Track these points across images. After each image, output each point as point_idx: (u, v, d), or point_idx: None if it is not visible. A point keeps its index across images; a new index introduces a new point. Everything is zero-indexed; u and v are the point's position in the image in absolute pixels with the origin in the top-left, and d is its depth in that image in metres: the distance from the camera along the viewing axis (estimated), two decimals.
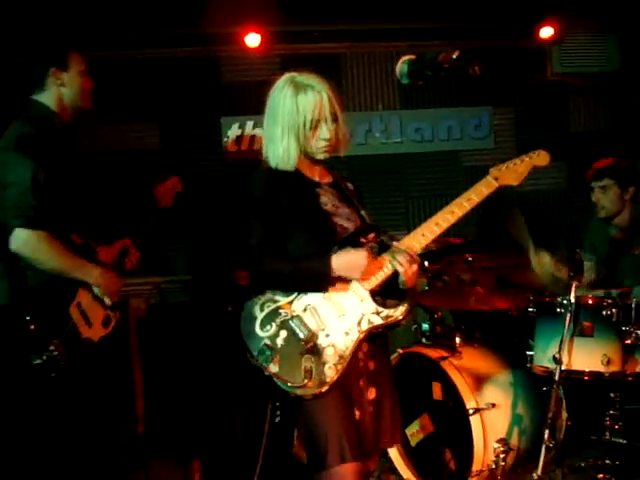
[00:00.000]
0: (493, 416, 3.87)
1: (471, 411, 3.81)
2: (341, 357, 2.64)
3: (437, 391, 4.09)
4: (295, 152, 2.76)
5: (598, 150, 5.89)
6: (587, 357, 3.65)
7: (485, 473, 3.85)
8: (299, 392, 2.59)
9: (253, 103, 5.67)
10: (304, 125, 2.73)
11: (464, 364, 4.02)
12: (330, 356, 2.63)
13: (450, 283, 4.46)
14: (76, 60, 3.35)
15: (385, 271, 2.75)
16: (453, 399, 3.94)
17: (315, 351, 2.62)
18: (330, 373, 2.61)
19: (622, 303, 3.68)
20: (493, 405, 3.87)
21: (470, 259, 4.33)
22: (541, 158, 3.05)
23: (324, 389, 2.60)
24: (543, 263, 4.19)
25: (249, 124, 5.72)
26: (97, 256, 3.40)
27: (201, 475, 4.38)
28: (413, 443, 4.20)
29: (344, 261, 2.68)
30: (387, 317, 2.72)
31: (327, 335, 2.66)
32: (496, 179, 2.90)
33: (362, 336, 2.69)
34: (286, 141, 2.74)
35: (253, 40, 5.52)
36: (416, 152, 6.04)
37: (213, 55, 5.76)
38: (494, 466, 3.81)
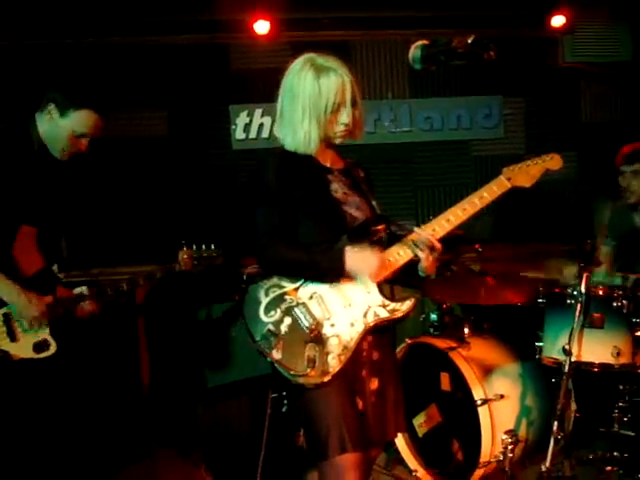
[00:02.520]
0: (501, 407, 3.86)
1: (479, 402, 3.79)
2: (345, 348, 2.61)
3: (445, 382, 4.08)
4: (316, 136, 2.70)
5: (609, 140, 5.86)
6: (597, 349, 3.62)
7: (493, 464, 3.84)
8: (301, 380, 2.57)
9: (262, 91, 5.65)
10: (326, 109, 2.67)
11: (472, 355, 4.01)
12: (334, 346, 2.60)
13: (458, 273, 4.44)
14: (82, 121, 3.25)
15: (400, 257, 2.72)
16: (461, 390, 3.93)
17: (319, 340, 2.60)
18: (333, 363, 2.58)
19: (633, 294, 3.66)
20: (501, 396, 3.86)
21: (480, 249, 4.31)
22: (554, 162, 2.98)
23: (326, 379, 2.57)
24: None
25: (258, 112, 5.69)
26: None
27: (203, 464, 4.38)
28: (420, 434, 4.19)
29: (356, 259, 2.62)
30: (393, 310, 2.68)
31: (332, 325, 2.63)
32: (509, 179, 2.85)
33: (367, 328, 2.66)
34: (307, 124, 2.68)
35: (262, 27, 5.49)
36: (425, 141, 6.00)
37: (222, 42, 5.72)
38: (502, 457, 3.80)
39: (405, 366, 4.20)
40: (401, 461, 4.26)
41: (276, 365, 2.58)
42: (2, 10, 5.02)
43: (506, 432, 3.83)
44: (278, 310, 2.63)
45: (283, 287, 2.67)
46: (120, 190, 5.44)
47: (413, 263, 2.74)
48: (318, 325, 2.61)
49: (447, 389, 4.07)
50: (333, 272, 2.65)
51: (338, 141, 2.78)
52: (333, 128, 2.72)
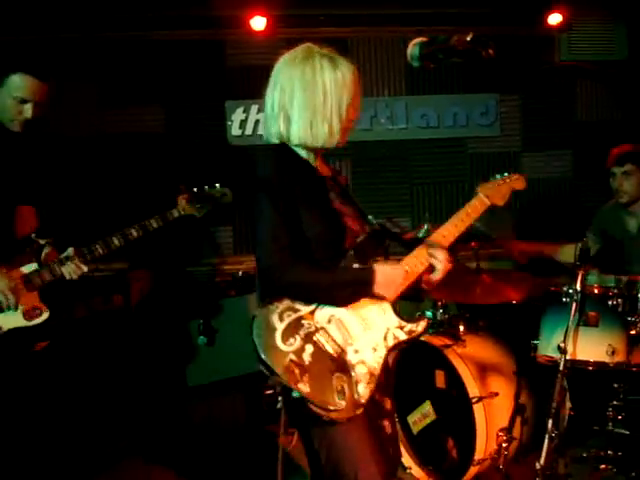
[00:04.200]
0: (496, 405, 3.87)
1: (474, 400, 3.79)
2: (372, 375, 2.41)
3: (440, 379, 4.08)
4: (338, 129, 2.51)
5: (604, 139, 5.87)
6: (592, 347, 3.62)
7: (487, 462, 3.85)
8: (334, 415, 2.33)
9: (258, 87, 5.60)
10: (347, 100, 2.52)
11: (468, 352, 4.01)
12: (363, 375, 2.39)
13: (454, 271, 4.43)
14: (18, 84, 3.25)
15: (416, 269, 2.58)
16: (456, 387, 3.93)
17: (345, 369, 2.38)
18: (364, 393, 2.38)
19: (628, 293, 3.66)
20: (496, 394, 3.87)
21: (476, 247, 4.31)
22: (520, 182, 3.06)
23: (359, 411, 2.36)
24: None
25: (254, 108, 5.68)
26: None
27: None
28: (415, 431, 4.20)
29: (384, 277, 2.46)
30: (410, 332, 2.53)
31: (356, 351, 2.42)
32: (487, 197, 2.85)
33: (388, 352, 2.48)
34: (330, 114, 2.49)
35: (258, 23, 5.49)
36: (421, 138, 6.00)
37: (218, 38, 5.72)
38: (496, 455, 3.81)
39: (400, 364, 4.20)
40: None
41: (306, 400, 2.31)
42: (2, 6, 5.00)
43: (501, 430, 3.85)
44: (297, 337, 2.37)
45: (298, 310, 2.41)
46: (115, 186, 5.43)
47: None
48: (342, 352, 2.40)
49: (442, 387, 4.07)
50: (359, 295, 2.48)
51: (344, 140, 2.59)
52: (346, 124, 2.55)
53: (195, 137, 5.70)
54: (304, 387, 2.30)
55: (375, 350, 2.46)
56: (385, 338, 2.49)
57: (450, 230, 2.70)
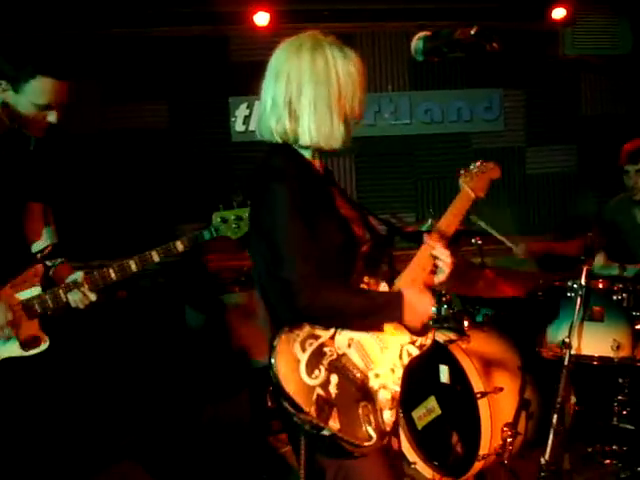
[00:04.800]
0: (501, 400, 3.85)
1: (479, 395, 3.78)
2: (394, 399, 2.28)
3: (445, 374, 4.07)
4: (352, 127, 2.32)
5: (608, 133, 5.87)
6: (597, 342, 3.62)
7: (492, 457, 3.84)
8: (365, 450, 2.17)
9: (261, 83, 5.63)
10: (360, 95, 2.32)
11: (472, 347, 4.00)
12: (386, 400, 2.25)
13: (458, 266, 4.42)
14: (39, 90, 2.87)
15: (424, 273, 2.46)
16: (461, 383, 3.92)
17: (369, 396, 2.23)
18: (389, 420, 2.24)
19: (633, 288, 3.66)
20: (501, 389, 3.86)
21: (479, 242, 4.30)
22: (495, 171, 2.90)
23: (385, 440, 2.23)
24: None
25: (257, 104, 5.64)
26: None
27: None
28: (420, 426, 4.19)
29: (413, 309, 2.31)
30: (421, 346, 2.41)
31: (377, 375, 2.27)
32: (472, 190, 2.71)
33: (404, 371, 2.34)
34: (345, 114, 2.28)
35: (262, 19, 5.49)
36: (425, 134, 6.00)
37: (222, 34, 5.73)
38: (501, 450, 3.80)
39: None
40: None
41: (336, 438, 2.13)
42: (5, 3, 5.00)
43: (505, 425, 3.83)
44: (322, 368, 2.16)
45: (319, 337, 2.21)
46: (120, 182, 5.43)
47: None
48: (365, 378, 2.24)
49: (447, 382, 4.06)
50: (388, 321, 2.32)
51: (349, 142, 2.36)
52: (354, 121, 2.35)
53: (199, 133, 5.70)
54: (334, 424, 2.12)
55: (393, 371, 2.32)
56: (400, 357, 2.35)
57: (445, 229, 2.57)
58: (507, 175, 6.01)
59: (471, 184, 2.74)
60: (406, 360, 2.36)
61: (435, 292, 4.20)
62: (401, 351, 2.35)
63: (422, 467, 4.16)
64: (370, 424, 2.18)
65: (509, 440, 3.79)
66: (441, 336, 4.09)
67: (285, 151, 2.32)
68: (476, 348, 4.02)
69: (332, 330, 2.23)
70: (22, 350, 2.93)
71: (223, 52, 5.74)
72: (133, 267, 3.07)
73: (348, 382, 2.20)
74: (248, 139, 5.69)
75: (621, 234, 4.52)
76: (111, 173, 5.42)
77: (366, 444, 2.15)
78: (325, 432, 2.12)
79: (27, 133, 3.00)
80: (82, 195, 5.18)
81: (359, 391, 2.21)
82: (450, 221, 2.60)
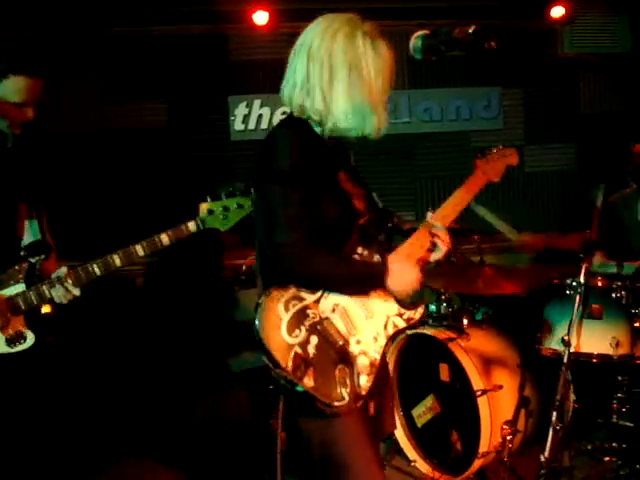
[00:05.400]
0: (500, 398, 3.86)
1: (478, 393, 3.79)
2: (373, 366, 2.36)
3: (444, 372, 4.08)
4: (375, 120, 2.41)
5: (607, 131, 5.87)
6: (596, 340, 3.63)
7: (492, 455, 3.85)
8: (336, 410, 2.28)
9: (261, 82, 5.64)
10: (384, 88, 2.41)
11: (472, 345, 4.01)
12: (364, 366, 2.34)
13: (458, 264, 4.44)
14: (13, 89, 2.91)
15: (419, 251, 2.52)
16: (460, 380, 3.93)
17: (347, 360, 2.33)
18: (365, 385, 2.33)
19: (632, 286, 3.66)
20: (500, 387, 3.86)
21: (478, 240, 4.31)
22: (513, 157, 3.03)
23: (359, 404, 2.32)
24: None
25: (257, 103, 5.68)
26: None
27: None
28: (419, 424, 4.20)
29: (397, 277, 2.39)
30: (409, 320, 2.49)
31: (358, 342, 2.36)
32: (485, 173, 2.83)
33: (387, 340, 2.44)
34: (377, 107, 2.39)
35: (261, 18, 5.49)
36: (424, 132, 6.00)
37: (221, 33, 5.72)
38: (501, 448, 3.81)
39: (404, 357, 4.21)
40: (400, 452, 4.26)
41: (310, 394, 2.25)
42: (4, 1, 5.01)
43: (505, 423, 3.84)
44: (303, 328, 2.28)
45: (303, 299, 2.33)
46: (119, 181, 5.44)
47: None
48: (345, 343, 2.34)
49: (446, 380, 4.07)
50: (372, 288, 2.42)
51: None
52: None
53: (198, 132, 5.71)
54: (309, 381, 2.24)
55: (376, 340, 2.41)
56: (385, 327, 2.44)
57: (450, 209, 2.64)
58: (506, 173, 5.99)
59: (486, 167, 2.86)
60: (391, 331, 2.44)
61: (433, 289, 4.24)
62: (387, 321, 2.44)
63: (422, 465, 4.17)
64: (345, 386, 2.28)
65: (509, 438, 3.80)
66: (441, 334, 4.10)
67: (299, 127, 2.41)
68: (475, 346, 4.02)
69: (318, 294, 2.35)
70: (7, 347, 2.94)
71: (222, 51, 5.74)
72: (117, 262, 3.04)
73: (327, 344, 2.31)
74: (247, 138, 5.69)
75: (623, 229, 4.53)
76: (110, 172, 5.42)
77: (337, 404, 2.26)
78: (299, 388, 2.24)
79: (4, 131, 3.03)
80: (81, 194, 5.18)
81: (338, 354, 2.32)
82: (459, 200, 2.67)
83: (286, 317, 2.28)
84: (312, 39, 2.43)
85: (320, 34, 2.43)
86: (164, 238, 3.07)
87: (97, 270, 3.01)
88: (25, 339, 2.97)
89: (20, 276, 2.99)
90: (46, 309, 3.44)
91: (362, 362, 2.35)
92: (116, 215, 5.37)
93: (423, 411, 4.18)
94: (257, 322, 2.26)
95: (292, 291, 2.32)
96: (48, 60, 5.33)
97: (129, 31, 5.53)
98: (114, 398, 4.67)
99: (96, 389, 4.60)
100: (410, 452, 4.21)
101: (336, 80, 2.34)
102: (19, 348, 2.95)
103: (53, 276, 3.02)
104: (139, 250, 3.07)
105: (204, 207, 3.12)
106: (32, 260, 3.06)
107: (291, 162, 2.30)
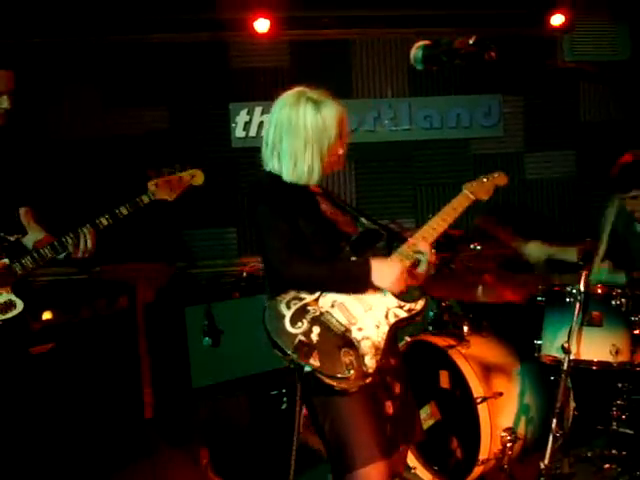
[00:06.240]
0: (500, 405, 3.87)
1: (478, 400, 3.80)
2: (377, 348, 2.63)
3: (444, 379, 4.08)
4: (319, 168, 2.75)
5: (607, 139, 5.89)
6: (596, 347, 3.63)
7: (492, 462, 3.85)
8: (344, 385, 2.56)
9: (262, 89, 5.66)
10: (329, 141, 2.73)
11: (472, 353, 4.01)
12: (368, 348, 2.61)
13: (457, 271, 4.45)
14: None
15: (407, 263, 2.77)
16: (460, 388, 3.93)
17: (351, 344, 2.61)
18: (371, 364, 2.59)
19: (632, 293, 3.67)
20: (500, 394, 3.87)
21: (478, 247, 4.31)
22: (501, 178, 3.31)
23: (368, 380, 2.58)
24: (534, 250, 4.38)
25: (257, 110, 5.70)
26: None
27: (209, 461, 4.36)
28: None
29: (381, 271, 2.69)
30: (410, 310, 2.74)
31: (360, 329, 2.65)
32: (472, 193, 3.11)
33: (391, 328, 2.70)
34: (310, 157, 2.73)
35: (262, 26, 5.50)
36: (425, 139, 6.02)
37: (222, 40, 5.74)
38: (501, 455, 3.81)
39: (405, 363, 4.21)
40: None
41: (317, 373, 2.53)
42: (6, 9, 5.03)
43: (505, 430, 3.84)
44: (305, 321, 2.62)
45: (303, 299, 2.68)
46: (121, 187, 5.44)
47: None
48: (347, 331, 2.63)
49: (446, 387, 4.07)
50: (358, 285, 2.71)
51: (328, 171, 2.83)
52: (330, 159, 2.78)
53: (199, 139, 5.72)
54: (314, 362, 2.52)
55: (378, 327, 2.68)
56: (387, 316, 2.71)
57: (438, 224, 2.91)
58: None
59: (472, 188, 3.15)
60: (392, 319, 2.71)
61: (433, 297, 4.25)
62: (387, 312, 2.72)
63: (422, 472, 4.17)
64: (351, 365, 2.56)
65: (509, 445, 3.81)
66: (441, 341, 4.11)
67: (273, 179, 2.81)
68: (476, 353, 4.03)
69: (317, 294, 2.69)
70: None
71: (223, 58, 5.76)
72: (85, 229, 3.37)
73: (330, 332, 2.62)
74: (248, 145, 5.70)
75: (621, 239, 4.52)
76: (111, 179, 5.42)
77: (341, 376, 2.53)
78: (307, 368, 2.52)
79: None
80: (81, 201, 5.18)
81: (341, 340, 2.61)
82: (437, 225, 2.92)
83: (289, 313, 2.62)
84: (272, 111, 2.84)
85: (277, 106, 2.82)
86: (123, 210, 3.50)
87: (70, 240, 3.32)
88: (15, 306, 3.19)
89: (3, 252, 3.24)
90: (47, 315, 3.49)
91: (366, 345, 2.62)
92: (118, 221, 5.37)
93: (423, 418, 4.16)
94: (265, 320, 2.62)
95: (292, 293, 2.68)
96: (49, 67, 5.40)
97: (130, 38, 5.55)
98: (115, 403, 4.67)
99: (96, 393, 4.59)
100: (410, 459, 4.20)
101: (282, 142, 2.76)
102: (9, 315, 3.16)
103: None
104: (103, 221, 3.46)
105: (151, 183, 3.59)
106: (11, 239, 3.32)
107: (271, 198, 2.74)
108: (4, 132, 3.38)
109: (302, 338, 2.56)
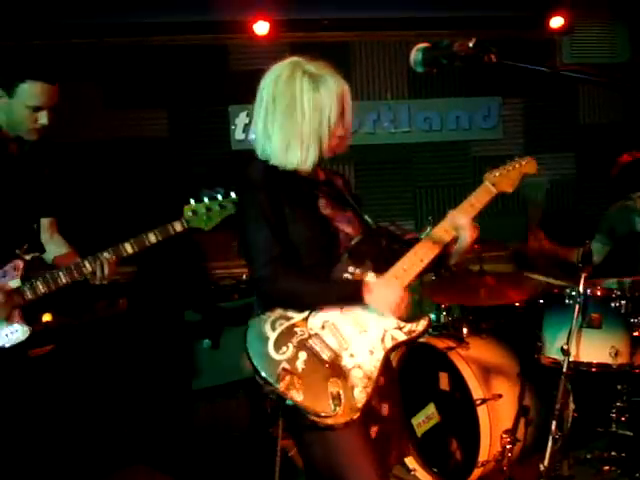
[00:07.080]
0: (500, 407, 3.87)
1: (478, 402, 3.80)
2: (369, 379, 2.38)
3: (444, 381, 4.08)
4: (315, 153, 2.45)
5: (606, 141, 5.89)
6: (595, 349, 3.64)
7: (491, 464, 3.86)
8: (330, 422, 2.29)
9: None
10: (328, 122, 2.43)
11: (471, 355, 4.02)
12: (358, 379, 2.36)
13: (458, 273, 4.45)
14: (30, 92, 3.05)
15: (428, 256, 2.54)
16: (460, 390, 3.93)
17: (340, 374, 2.35)
18: (361, 398, 2.34)
19: (631, 295, 3.67)
20: (500, 396, 3.87)
21: (478, 249, 4.31)
22: (530, 166, 2.92)
23: (356, 416, 2.32)
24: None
25: None
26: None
27: None
28: (419, 433, 4.20)
29: (377, 294, 2.42)
30: (410, 332, 2.49)
31: (351, 355, 2.40)
32: (494, 185, 2.74)
33: (386, 354, 2.45)
34: (307, 142, 2.43)
35: (262, 28, 5.51)
36: (424, 142, 6.02)
37: (221, 43, 5.74)
38: (500, 457, 3.82)
39: (404, 366, 4.21)
40: None
41: (300, 407, 2.29)
42: (5, 11, 5.03)
43: (505, 432, 3.85)
44: (290, 345, 2.35)
45: (290, 318, 2.41)
46: (120, 190, 5.45)
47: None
48: (337, 357, 2.38)
49: (446, 389, 4.07)
50: (351, 302, 2.44)
51: (329, 155, 2.52)
52: (329, 142, 2.47)
53: (198, 141, 5.72)
54: (297, 395, 2.28)
55: (372, 353, 2.43)
56: (383, 340, 2.45)
57: (446, 229, 2.61)
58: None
59: (495, 179, 2.77)
60: (389, 344, 2.45)
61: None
62: (384, 335, 2.46)
63: (421, 474, 4.17)
64: (337, 399, 2.31)
65: (508, 447, 3.81)
66: (440, 343, 4.11)
67: (264, 169, 2.51)
68: (475, 355, 4.03)
69: (306, 313, 2.42)
70: (5, 339, 2.98)
71: (223, 61, 5.76)
72: (107, 255, 3.14)
73: (317, 359, 2.36)
74: (248, 147, 5.64)
75: (621, 242, 4.53)
76: (111, 181, 5.43)
77: (324, 415, 2.28)
78: (288, 402, 2.28)
79: (22, 136, 3.16)
80: (83, 203, 5.19)
81: (329, 368, 2.35)
82: (463, 212, 2.64)
83: (273, 336, 2.36)
84: (262, 87, 2.55)
85: (265, 82, 2.54)
86: (151, 237, 3.21)
87: (88, 266, 3.12)
88: (21, 332, 3.02)
89: (17, 273, 3.05)
90: (47, 317, 3.47)
91: (356, 375, 2.38)
92: (116, 224, 5.37)
93: (423, 420, 4.19)
94: (247, 341, 2.37)
95: (279, 312, 2.42)
96: (48, 69, 5.39)
97: (130, 41, 5.55)
98: (112, 405, 4.67)
99: (93, 397, 4.59)
100: (410, 461, 4.20)
101: (275, 121, 2.46)
102: (14, 341, 2.99)
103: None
104: (128, 248, 3.19)
105: (188, 209, 3.29)
106: (27, 258, 3.11)
107: (258, 191, 2.45)
108: (35, 145, 3.27)
109: (286, 366, 2.31)
